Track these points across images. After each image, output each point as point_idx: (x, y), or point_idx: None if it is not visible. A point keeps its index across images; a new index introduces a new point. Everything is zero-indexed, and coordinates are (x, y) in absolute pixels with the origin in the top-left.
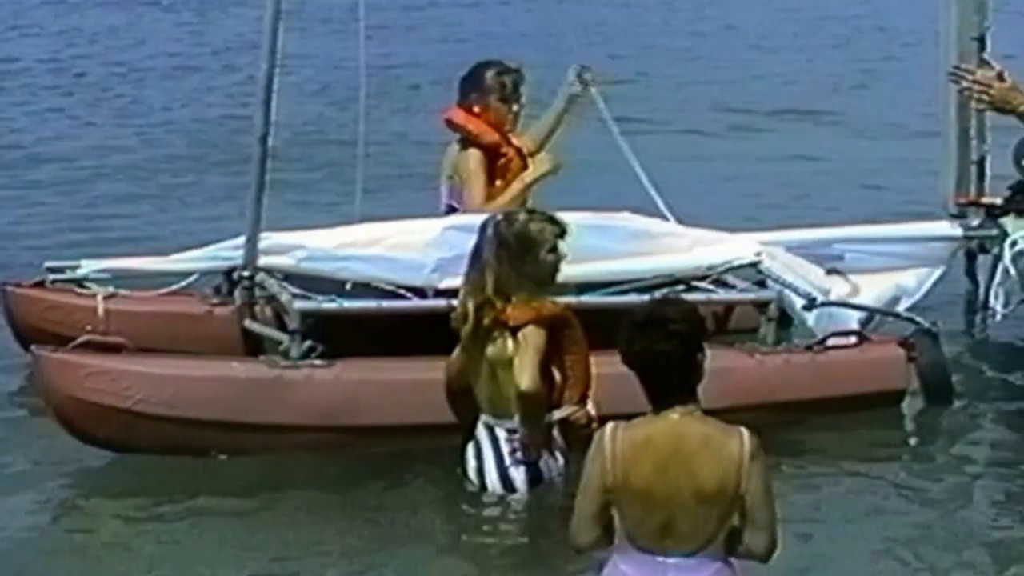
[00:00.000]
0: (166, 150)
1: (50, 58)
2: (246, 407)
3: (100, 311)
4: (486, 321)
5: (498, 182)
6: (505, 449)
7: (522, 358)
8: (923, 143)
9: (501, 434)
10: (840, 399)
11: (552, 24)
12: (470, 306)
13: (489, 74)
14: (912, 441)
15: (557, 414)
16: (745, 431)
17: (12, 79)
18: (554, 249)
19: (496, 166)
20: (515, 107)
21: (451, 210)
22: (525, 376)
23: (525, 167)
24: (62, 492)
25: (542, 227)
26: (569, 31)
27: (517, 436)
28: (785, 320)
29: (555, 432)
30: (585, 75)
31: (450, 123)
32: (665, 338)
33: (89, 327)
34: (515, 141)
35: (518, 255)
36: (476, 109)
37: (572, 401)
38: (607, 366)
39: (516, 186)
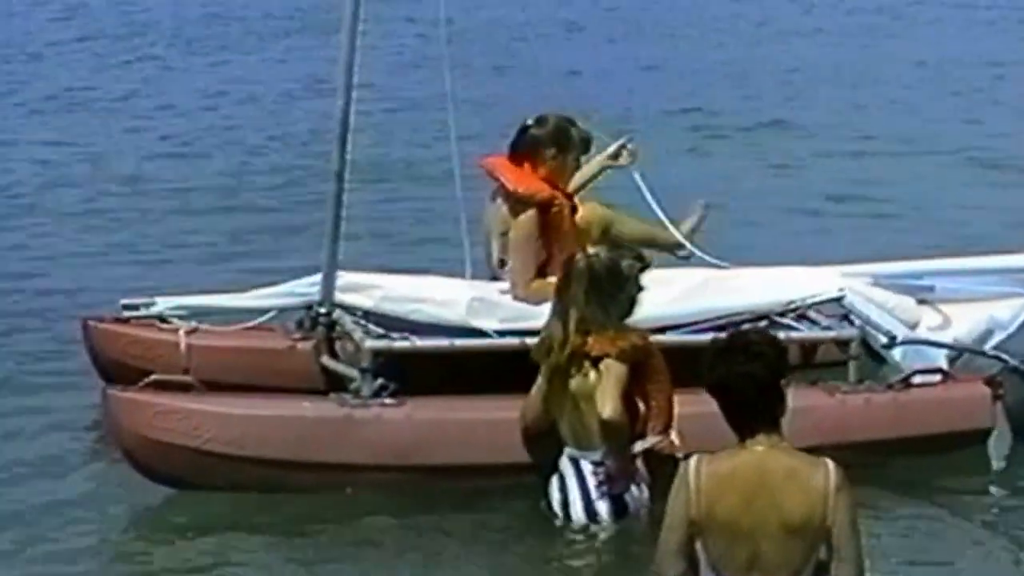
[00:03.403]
0: (243, 185)
1: (126, 94)
2: (316, 446)
3: (182, 346)
4: (566, 355)
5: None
6: (591, 482)
7: (604, 387)
8: (1016, 178)
9: (586, 467)
10: (923, 439)
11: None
12: (555, 338)
13: (555, 123)
14: (998, 482)
15: (641, 445)
16: (831, 463)
17: (89, 109)
18: (639, 284)
19: (549, 217)
20: (573, 159)
21: (504, 264)
22: (608, 405)
23: (575, 211)
24: (129, 527)
25: (631, 263)
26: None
27: (603, 468)
28: (876, 353)
29: (639, 463)
30: (627, 149)
31: (496, 179)
32: (749, 360)
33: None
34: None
35: (609, 292)
36: (547, 159)
37: (655, 431)
38: (688, 405)
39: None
